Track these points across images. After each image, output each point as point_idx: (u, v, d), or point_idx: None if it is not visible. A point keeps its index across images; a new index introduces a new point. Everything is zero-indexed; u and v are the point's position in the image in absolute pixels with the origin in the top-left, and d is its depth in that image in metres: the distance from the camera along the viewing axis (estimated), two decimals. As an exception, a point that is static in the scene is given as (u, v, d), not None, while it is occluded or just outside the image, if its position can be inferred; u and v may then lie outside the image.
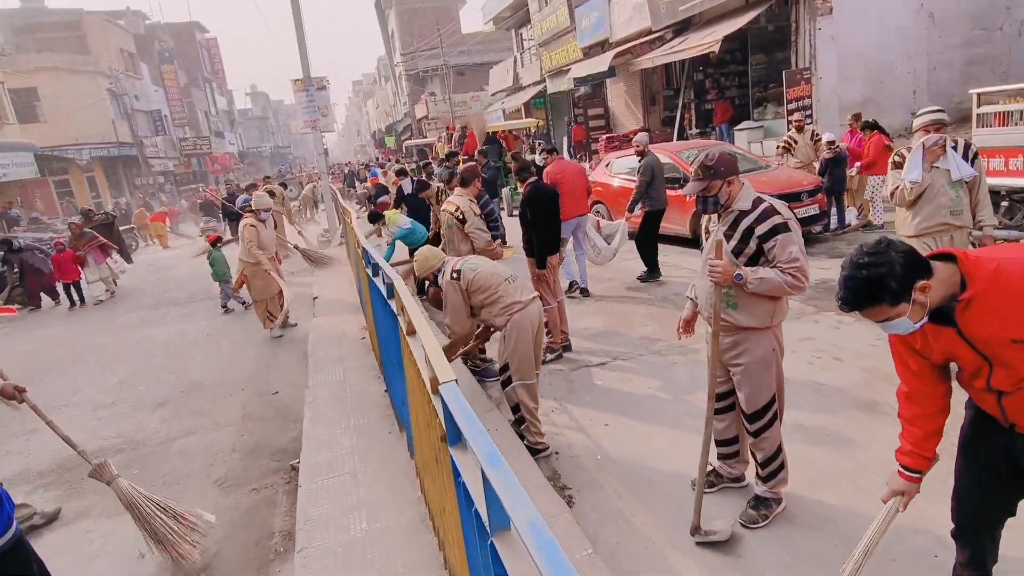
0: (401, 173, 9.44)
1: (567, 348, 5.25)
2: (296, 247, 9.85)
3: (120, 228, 17.08)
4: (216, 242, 8.34)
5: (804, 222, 7.94)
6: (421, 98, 36.08)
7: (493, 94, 29.58)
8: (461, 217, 4.77)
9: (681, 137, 15.78)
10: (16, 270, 10.58)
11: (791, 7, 12.48)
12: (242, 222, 6.69)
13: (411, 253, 7.25)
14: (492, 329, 3.80)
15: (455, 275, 3.56)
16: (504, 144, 17.98)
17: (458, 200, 4.88)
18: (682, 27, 15.16)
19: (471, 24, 38.03)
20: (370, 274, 3.76)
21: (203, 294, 9.84)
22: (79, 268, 10.20)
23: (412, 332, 2.40)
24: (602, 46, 18.48)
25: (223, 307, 8.45)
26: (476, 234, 4.77)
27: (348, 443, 3.48)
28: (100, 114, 27.69)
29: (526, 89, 24.58)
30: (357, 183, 21.13)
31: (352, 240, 6.84)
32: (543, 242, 4.87)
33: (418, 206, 7.66)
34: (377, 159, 28.07)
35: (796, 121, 8.98)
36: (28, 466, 4.58)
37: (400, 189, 9.19)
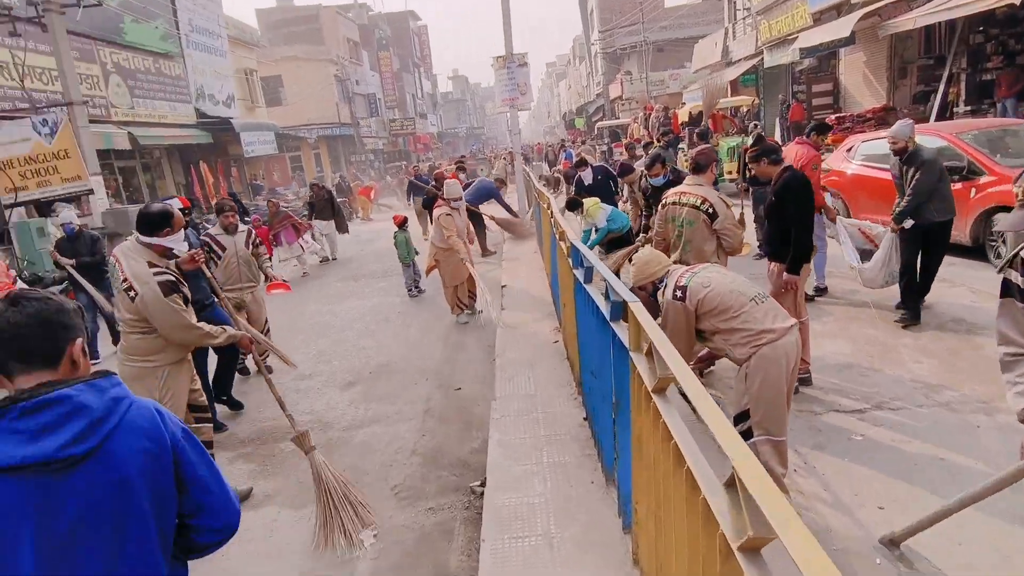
0: (581, 164, 8.60)
1: (806, 381, 4.12)
2: (492, 217, 9.69)
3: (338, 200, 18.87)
4: (403, 224, 8.32)
5: None
6: (616, 77, 34.86)
7: (696, 71, 27.34)
8: (711, 211, 3.90)
9: (943, 116, 12.78)
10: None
11: None
12: (436, 211, 6.54)
13: (611, 245, 6.48)
14: (721, 354, 3.02)
15: (679, 293, 2.84)
16: (711, 125, 16.30)
17: (702, 191, 4.00)
18: (957, -21, 12.13)
19: (675, -2, 35.66)
20: (579, 279, 3.06)
21: (396, 269, 10.11)
22: (271, 246, 10.80)
23: (662, 389, 1.64)
24: (838, 10, 15.74)
25: (408, 290, 8.47)
26: (730, 232, 3.93)
27: (541, 488, 2.85)
28: (327, 98, 31.01)
29: (736, 64, 22.19)
30: (545, 165, 20.84)
31: (547, 228, 6.27)
32: (803, 243, 3.85)
33: (602, 196, 6.86)
34: (564, 142, 27.63)
35: None
36: (234, 432, 4.71)
37: (580, 180, 8.41)
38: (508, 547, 2.46)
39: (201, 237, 5.35)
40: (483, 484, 3.42)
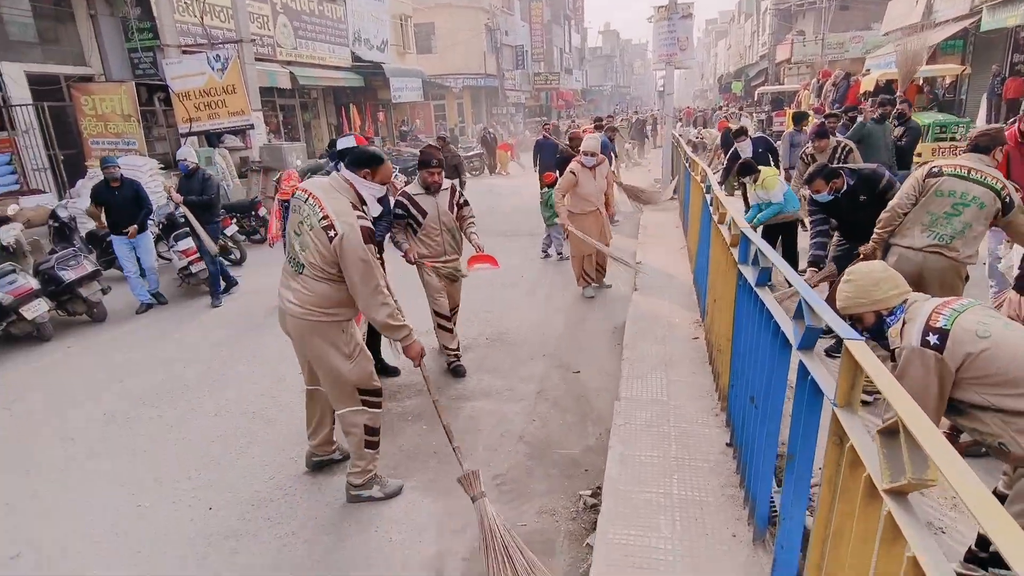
0: (740, 133, 7.52)
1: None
2: (620, 184, 9.00)
3: (477, 152, 18.83)
4: (554, 183, 7.83)
5: None
6: (786, 38, 31.25)
7: (886, 33, 23.68)
8: (1008, 199, 3.18)
9: None
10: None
11: None
12: (568, 167, 5.94)
13: (768, 231, 5.59)
14: (988, 443, 1.95)
15: (934, 338, 1.90)
16: (906, 97, 13.99)
17: (997, 173, 3.24)
18: None
19: (870, -54, 30.99)
20: (749, 279, 2.44)
21: (526, 229, 9.76)
22: None
23: (905, 493, 1.07)
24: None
25: (543, 251, 8.08)
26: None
27: (668, 530, 2.34)
28: (475, 48, 30.95)
29: (942, 27, 18.81)
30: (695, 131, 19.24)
31: (696, 204, 5.51)
32: None
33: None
34: (720, 106, 25.32)
35: None
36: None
37: (735, 152, 7.38)
38: (623, 604, 2.00)
39: (397, 197, 4.44)
40: (595, 494, 2.99)
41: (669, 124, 11.55)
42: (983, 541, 2.02)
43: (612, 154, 9.94)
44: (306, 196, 2.81)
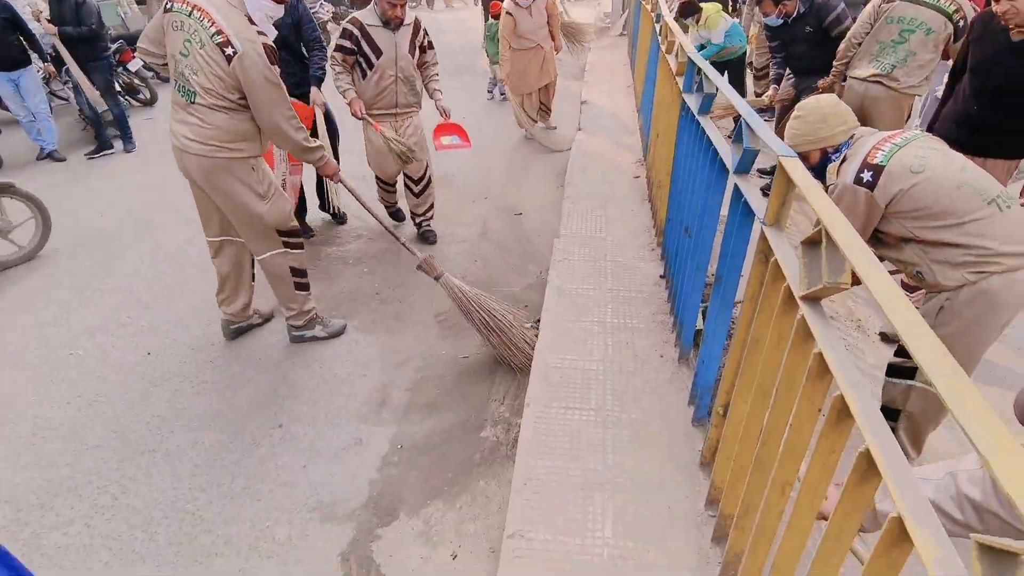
0: None
1: None
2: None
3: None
4: (499, 15, 7.14)
5: None
6: None
7: None
8: (961, 24, 3.13)
9: None
10: None
11: None
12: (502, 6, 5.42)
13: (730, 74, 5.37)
14: (904, 272, 2.06)
15: (867, 175, 1.88)
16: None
17: None
18: None
19: None
20: (692, 107, 2.35)
21: (468, 68, 9.13)
22: None
23: (817, 299, 1.11)
24: None
25: (488, 92, 7.63)
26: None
27: (600, 353, 2.45)
28: None
29: None
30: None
31: (645, 37, 5.20)
32: None
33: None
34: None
35: None
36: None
37: None
38: (554, 417, 2.16)
39: (345, 24, 3.52)
40: (534, 327, 3.12)
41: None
42: (901, 351, 2.11)
43: None
44: (188, 9, 2.36)
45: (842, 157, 2.01)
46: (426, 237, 4.17)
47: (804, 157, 2.08)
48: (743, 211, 1.64)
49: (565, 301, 2.84)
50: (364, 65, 3.56)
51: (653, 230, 3.44)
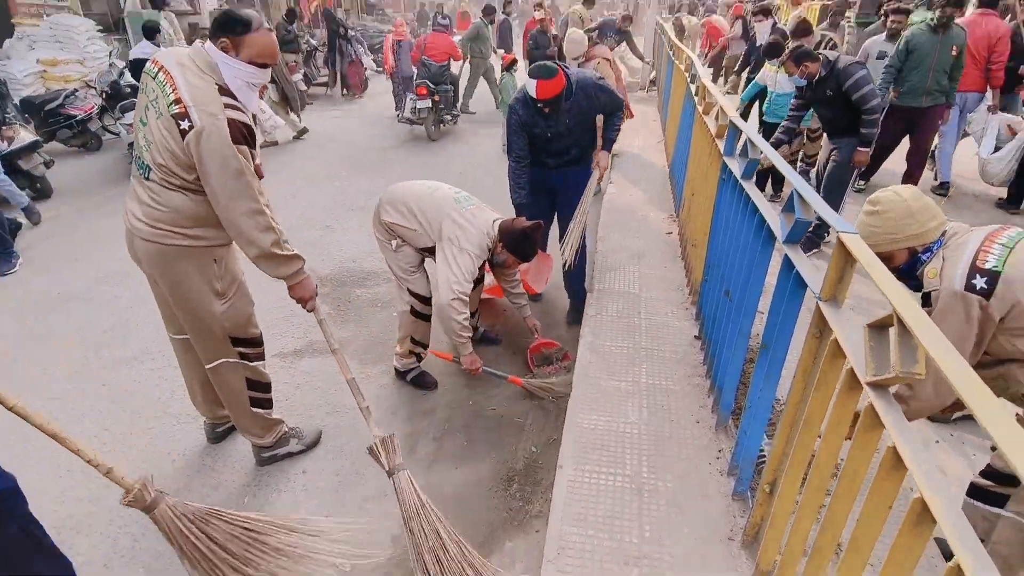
0: (765, 13, 7.11)
1: None
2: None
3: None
4: (511, 65, 7.34)
5: None
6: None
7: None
8: None
9: None
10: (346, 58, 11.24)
11: None
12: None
13: (769, 134, 5.39)
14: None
15: (981, 281, 1.62)
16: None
17: None
18: None
19: None
20: (735, 172, 2.35)
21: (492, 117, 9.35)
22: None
23: (885, 386, 1.07)
24: None
25: (504, 144, 7.77)
26: None
27: (635, 416, 2.40)
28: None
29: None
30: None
31: (678, 94, 5.28)
32: None
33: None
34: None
35: None
36: (313, 267, 4.55)
37: (753, 37, 7.06)
38: (587, 481, 2.09)
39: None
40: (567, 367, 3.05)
41: (653, 9, 10.86)
42: (990, 472, 1.82)
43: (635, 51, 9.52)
44: (155, 69, 1.99)
45: (939, 257, 1.74)
46: (488, 339, 3.60)
47: (887, 258, 1.80)
48: (794, 283, 1.62)
49: (597, 358, 2.80)
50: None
51: (687, 288, 3.40)
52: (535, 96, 3.01)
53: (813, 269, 1.55)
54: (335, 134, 8.83)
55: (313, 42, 12.13)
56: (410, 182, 3.05)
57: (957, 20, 4.93)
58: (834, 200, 4.34)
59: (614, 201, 5.06)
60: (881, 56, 5.39)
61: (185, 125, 1.90)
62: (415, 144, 8.21)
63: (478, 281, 3.34)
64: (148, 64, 2.02)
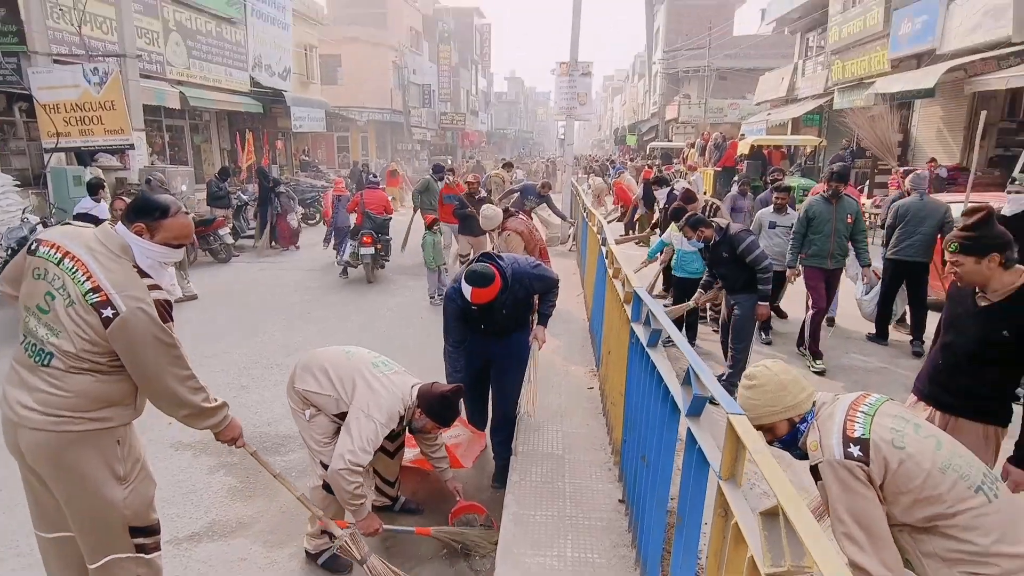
0: (661, 182, 8.06)
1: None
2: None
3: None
4: (432, 224, 7.69)
5: None
6: (674, 100, 34.08)
7: (757, 103, 26.48)
8: None
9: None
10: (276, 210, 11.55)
11: None
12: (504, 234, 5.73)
13: (678, 287, 5.88)
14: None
15: (856, 449, 1.69)
16: (768, 160, 15.63)
17: None
18: (1060, 41, 11.30)
19: (745, 27, 34.82)
20: (641, 339, 2.52)
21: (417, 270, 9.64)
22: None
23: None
24: (919, 59, 14.92)
25: (431, 296, 8.00)
26: None
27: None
28: (382, 83, 30.93)
29: (801, 102, 21.33)
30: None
31: (592, 254, 5.72)
32: None
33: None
34: (611, 159, 26.86)
35: None
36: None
37: (654, 197, 7.95)
38: None
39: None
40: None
41: (569, 172, 12.04)
42: None
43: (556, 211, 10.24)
44: (58, 255, 1.94)
45: (815, 428, 1.83)
46: (408, 509, 3.43)
47: (769, 429, 1.90)
48: (698, 458, 1.69)
49: (522, 532, 2.71)
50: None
51: (610, 447, 3.44)
52: (469, 301, 3.14)
53: (715, 447, 1.63)
54: (260, 287, 8.79)
55: (244, 197, 12.46)
56: (326, 348, 3.04)
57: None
58: (740, 353, 4.67)
59: (534, 355, 5.19)
60: (772, 226, 6.08)
61: (108, 313, 1.88)
62: (341, 295, 8.28)
63: (399, 447, 3.24)
64: (43, 248, 1.97)
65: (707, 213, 6.28)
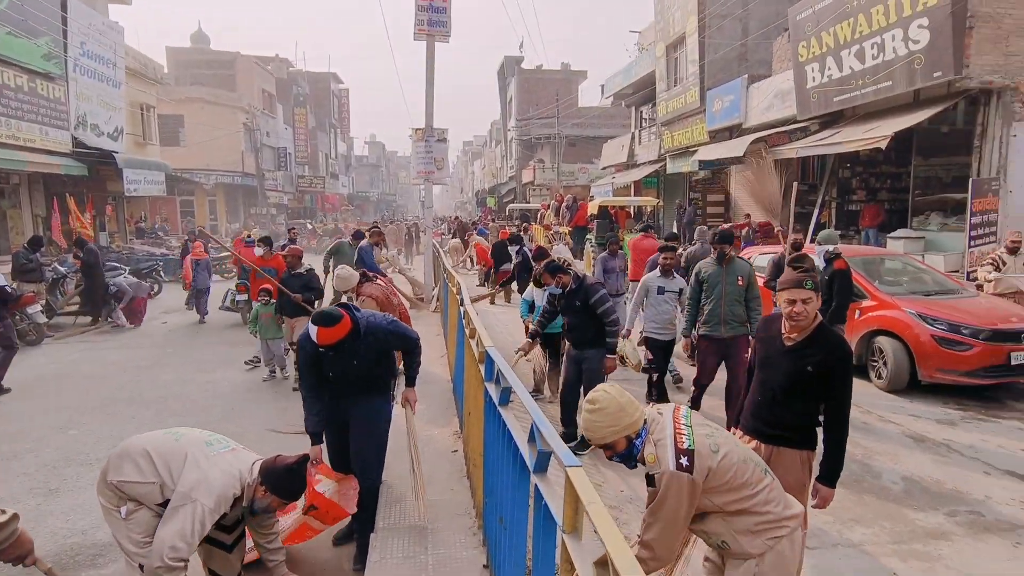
0: (515, 240, 8.40)
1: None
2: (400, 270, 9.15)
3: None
4: (264, 295, 7.01)
5: (1019, 370, 6.12)
6: (529, 164, 36.21)
7: (603, 168, 28.97)
8: None
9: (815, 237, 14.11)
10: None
11: (979, 108, 10.78)
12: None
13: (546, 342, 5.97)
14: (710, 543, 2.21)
15: (685, 460, 1.98)
16: (615, 219, 17.01)
17: None
18: (831, 119, 13.76)
19: (589, 99, 38.36)
20: (493, 398, 2.54)
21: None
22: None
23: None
24: (731, 131, 17.35)
25: (247, 362, 7.56)
26: None
27: None
28: (233, 145, 29.54)
29: (640, 167, 23.71)
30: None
31: (453, 315, 5.76)
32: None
33: (521, 277, 6.60)
34: (474, 222, 27.70)
35: (1010, 240, 7.23)
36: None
37: (507, 253, 8.25)
38: None
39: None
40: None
41: (429, 234, 12.17)
42: None
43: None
44: None
45: (650, 442, 2.06)
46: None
47: (611, 446, 2.11)
48: (545, 514, 1.71)
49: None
50: None
51: (473, 511, 3.37)
52: (316, 342, 3.02)
53: (560, 503, 1.66)
54: (80, 370, 7.69)
55: (62, 269, 10.99)
56: (150, 432, 2.72)
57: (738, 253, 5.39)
58: None
59: (397, 420, 5.03)
60: (661, 291, 5.62)
61: None
62: (180, 371, 7.48)
63: (238, 538, 2.92)
64: None
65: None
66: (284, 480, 2.59)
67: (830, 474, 2.69)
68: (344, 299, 5.48)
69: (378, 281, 5.84)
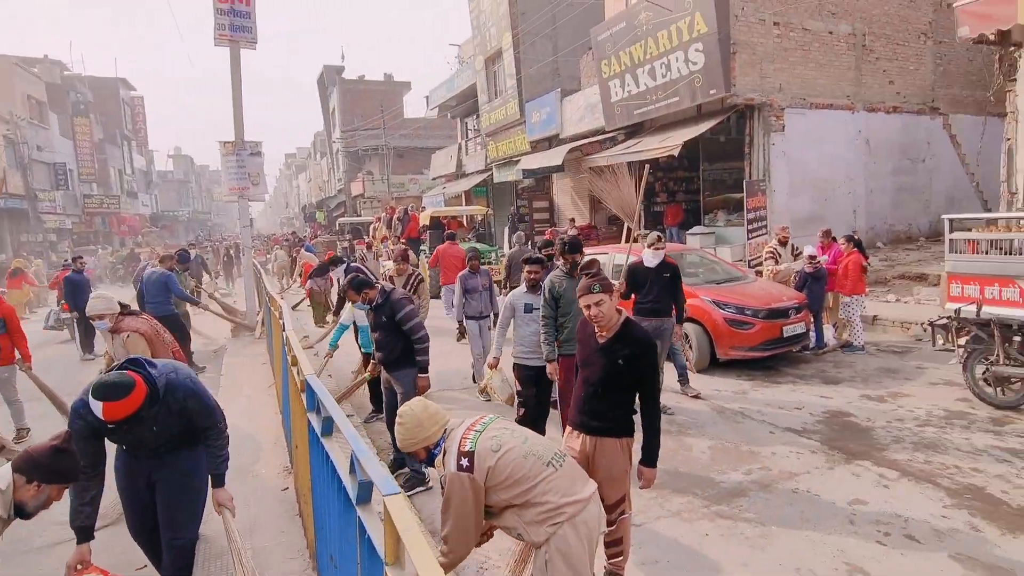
0: (337, 261, 8.03)
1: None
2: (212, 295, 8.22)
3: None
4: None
5: (789, 341, 7.29)
6: (358, 176, 35.20)
7: (434, 179, 29.14)
8: None
9: (630, 238, 15.53)
10: None
11: (747, 121, 12.67)
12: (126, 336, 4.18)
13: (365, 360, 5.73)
14: (512, 535, 2.45)
15: (465, 461, 2.23)
16: (447, 229, 17.18)
17: None
18: (634, 130, 15.26)
19: (414, 110, 38.35)
20: (316, 429, 2.39)
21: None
22: None
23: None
24: (550, 141, 18.45)
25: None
26: None
27: None
28: (-11, 161, 24.72)
29: (469, 176, 24.24)
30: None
31: (278, 341, 5.35)
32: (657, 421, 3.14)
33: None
34: (300, 238, 26.12)
35: (780, 233, 8.55)
36: None
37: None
38: None
39: None
40: None
41: (249, 255, 11.25)
42: None
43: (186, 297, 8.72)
44: None
45: (443, 450, 2.33)
46: None
47: (416, 455, 2.40)
48: (368, 547, 1.63)
49: None
50: None
51: (307, 552, 3.15)
52: (101, 418, 2.42)
53: (381, 535, 1.59)
54: None
55: None
56: None
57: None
58: None
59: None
60: (528, 309, 4.84)
61: None
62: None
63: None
64: None
65: (411, 284, 6.39)
66: (53, 461, 2.26)
67: (650, 456, 2.95)
68: (98, 325, 4.30)
69: (143, 315, 4.55)
